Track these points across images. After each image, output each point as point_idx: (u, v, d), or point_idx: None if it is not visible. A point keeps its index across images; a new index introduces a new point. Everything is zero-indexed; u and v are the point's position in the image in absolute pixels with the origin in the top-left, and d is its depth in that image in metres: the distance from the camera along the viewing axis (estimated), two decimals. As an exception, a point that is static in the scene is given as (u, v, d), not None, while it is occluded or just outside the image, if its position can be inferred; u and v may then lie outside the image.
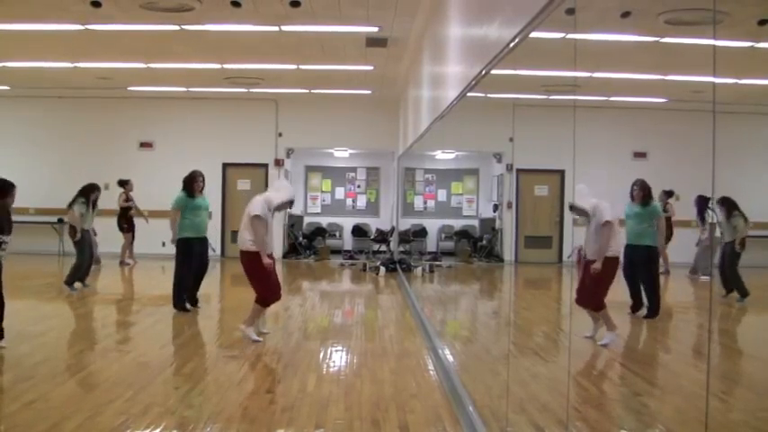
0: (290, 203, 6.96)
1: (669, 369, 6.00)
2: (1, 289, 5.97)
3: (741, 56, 6.57)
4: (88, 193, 9.75)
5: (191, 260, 8.19)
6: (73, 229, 9.54)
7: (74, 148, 15.02)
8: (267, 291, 6.69)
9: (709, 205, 7.04)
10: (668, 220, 8.44)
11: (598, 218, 6.03)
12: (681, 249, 8.56)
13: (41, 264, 13.02)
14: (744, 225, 7.49)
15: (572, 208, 6.09)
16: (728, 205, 7.38)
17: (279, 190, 6.93)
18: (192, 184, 8.24)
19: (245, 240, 6.59)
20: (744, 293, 7.36)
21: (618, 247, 6.25)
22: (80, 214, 9.52)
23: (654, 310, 7.11)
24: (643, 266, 6.92)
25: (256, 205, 6.58)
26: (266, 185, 15.32)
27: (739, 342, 6.67)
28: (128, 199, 13.00)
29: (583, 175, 6.23)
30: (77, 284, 9.57)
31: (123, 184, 12.99)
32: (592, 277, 6.12)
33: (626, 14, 6.10)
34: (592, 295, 6.19)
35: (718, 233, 7.74)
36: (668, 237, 8.23)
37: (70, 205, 9.61)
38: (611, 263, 6.15)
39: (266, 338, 6.80)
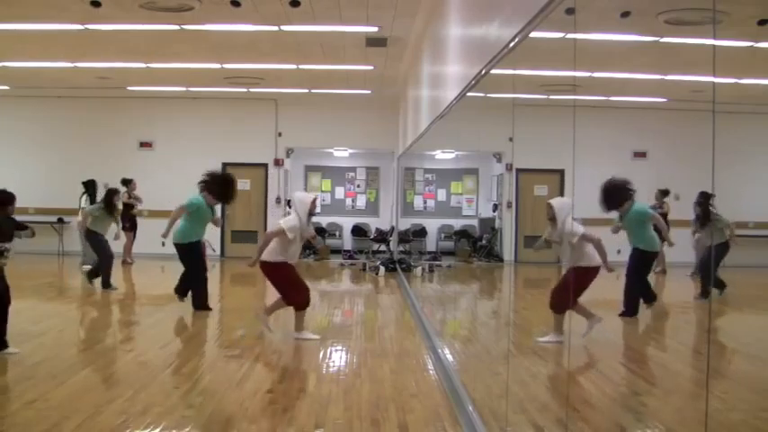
0: (313, 204, 6.89)
1: (668, 368, 6.00)
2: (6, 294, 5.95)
3: (741, 56, 6.57)
4: (111, 198, 9.89)
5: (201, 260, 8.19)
6: (88, 231, 9.70)
7: (74, 148, 15.01)
8: (298, 295, 6.84)
9: (710, 202, 6.98)
10: (664, 216, 8.42)
11: (569, 237, 6.07)
12: (680, 249, 8.54)
13: (41, 264, 13.01)
14: (727, 222, 7.41)
15: (550, 219, 6.22)
16: (704, 210, 7.20)
17: (299, 202, 6.87)
18: (232, 193, 8.08)
19: (269, 251, 6.70)
20: (706, 293, 7.17)
21: (596, 257, 6.23)
22: (93, 217, 9.65)
23: (630, 310, 7.06)
24: (633, 268, 7.02)
25: (289, 222, 6.69)
26: (266, 185, 15.39)
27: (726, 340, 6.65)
28: (131, 198, 13.07)
29: (583, 175, 6.25)
30: (112, 283, 9.73)
31: (126, 183, 13.04)
32: (568, 283, 6.16)
33: (626, 14, 6.10)
34: (559, 298, 6.21)
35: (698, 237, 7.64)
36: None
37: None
38: (590, 272, 6.14)
39: (266, 338, 6.81)
